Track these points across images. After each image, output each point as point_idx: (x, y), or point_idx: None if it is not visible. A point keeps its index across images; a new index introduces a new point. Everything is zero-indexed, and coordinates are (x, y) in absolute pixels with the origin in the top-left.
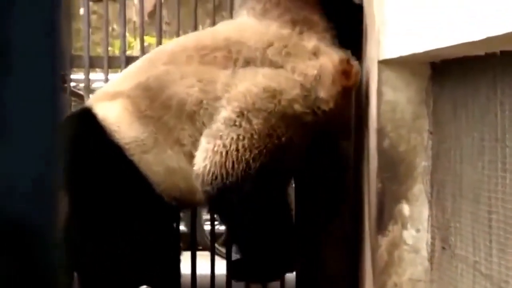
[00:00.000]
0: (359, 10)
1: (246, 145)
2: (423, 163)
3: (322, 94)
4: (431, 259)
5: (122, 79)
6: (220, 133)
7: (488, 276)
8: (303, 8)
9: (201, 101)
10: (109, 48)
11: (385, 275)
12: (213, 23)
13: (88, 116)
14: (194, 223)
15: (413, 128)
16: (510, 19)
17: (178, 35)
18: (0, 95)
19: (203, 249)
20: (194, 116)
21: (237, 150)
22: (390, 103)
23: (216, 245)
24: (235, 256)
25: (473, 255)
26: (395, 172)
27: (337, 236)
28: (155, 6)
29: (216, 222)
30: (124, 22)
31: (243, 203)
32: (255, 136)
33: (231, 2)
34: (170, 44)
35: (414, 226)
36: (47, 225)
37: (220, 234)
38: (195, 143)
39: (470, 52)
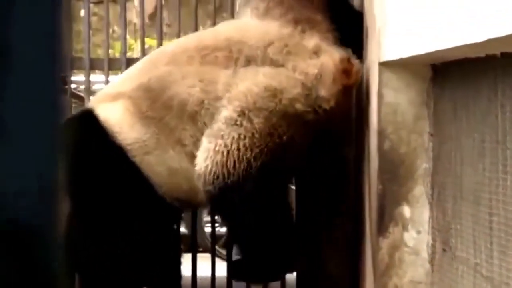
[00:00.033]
0: (360, 16)
1: (247, 144)
2: (423, 165)
3: (323, 92)
4: (431, 261)
5: (124, 80)
6: (221, 133)
7: (489, 278)
8: (307, 8)
9: (203, 101)
10: (110, 50)
11: (385, 277)
12: (214, 25)
13: (89, 118)
14: (195, 225)
15: (413, 130)
16: (510, 20)
17: (178, 36)
18: (1, 96)
19: (204, 251)
20: (196, 116)
21: (238, 149)
22: (391, 105)
23: (216, 247)
24: (235, 258)
25: (474, 257)
26: (396, 174)
27: (338, 238)
28: (155, 8)
29: (216, 224)
30: (125, 24)
31: (244, 202)
32: (256, 135)
33: (231, 3)
34: (171, 45)
35: (415, 228)
36: (48, 226)
37: (221, 236)
38: (196, 143)
39: (471, 54)
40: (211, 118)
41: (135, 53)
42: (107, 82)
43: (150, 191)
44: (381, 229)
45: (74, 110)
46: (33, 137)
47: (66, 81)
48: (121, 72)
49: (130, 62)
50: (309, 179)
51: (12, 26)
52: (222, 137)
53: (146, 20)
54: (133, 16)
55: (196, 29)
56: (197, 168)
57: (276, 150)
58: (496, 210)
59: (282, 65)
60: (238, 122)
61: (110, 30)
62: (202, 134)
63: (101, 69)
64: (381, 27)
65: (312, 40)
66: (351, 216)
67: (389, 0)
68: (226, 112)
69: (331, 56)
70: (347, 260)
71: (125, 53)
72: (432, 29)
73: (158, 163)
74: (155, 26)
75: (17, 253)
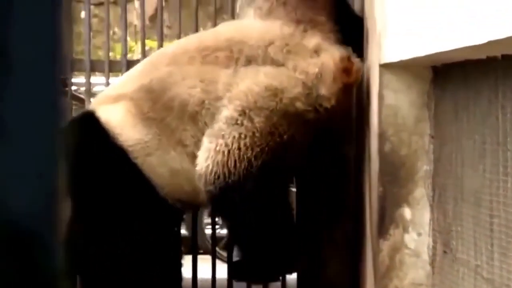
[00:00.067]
0: (360, 20)
1: (248, 144)
2: (424, 167)
3: (324, 91)
4: (432, 263)
5: (125, 82)
6: (222, 132)
7: (489, 280)
8: (311, 8)
9: (203, 101)
10: (110, 52)
11: (386, 279)
12: (214, 26)
13: (91, 120)
14: (195, 227)
15: (414, 132)
16: (511, 22)
17: (179, 38)
18: (1, 98)
19: (204, 253)
20: (196, 117)
21: (239, 148)
22: (391, 106)
23: (217, 249)
24: (235, 259)
25: (474, 259)
26: (397, 175)
27: (339, 240)
28: (156, 9)
29: (217, 226)
30: (125, 25)
31: (245, 201)
32: (257, 134)
33: (232, 5)
34: (172, 46)
35: (416, 230)
36: (49, 228)
37: (221, 238)
38: (197, 144)
39: (472, 55)
40: (212, 118)
41: (136, 55)
42: (107, 84)
43: (152, 192)
44: (382, 231)
45: (75, 112)
46: (34, 139)
47: (66, 83)
48: (122, 74)
49: (130, 64)
50: (310, 177)
51: (12, 28)
52: (222, 136)
53: (147, 22)
54: (134, 18)
55: (196, 30)
56: (198, 168)
57: (277, 149)
58: (496, 212)
59: (283, 65)
60: (238, 122)
61: (111, 32)
62: (203, 134)
63: (101, 71)
64: (382, 29)
65: (313, 40)
66: (352, 215)
67: (389, 3)
68: (227, 111)
69: (332, 55)
70: (348, 261)
71: (125, 55)
72: (433, 31)
73: (160, 164)
74: (155, 28)
75: (18, 255)
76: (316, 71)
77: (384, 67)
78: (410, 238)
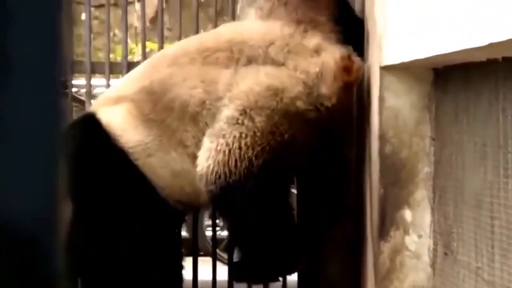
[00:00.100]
0: (360, 22)
1: (249, 143)
2: (425, 168)
3: (324, 90)
4: (433, 265)
5: (125, 84)
6: (223, 132)
7: (490, 282)
8: (312, 8)
9: (204, 102)
10: (111, 54)
11: (387, 281)
12: (215, 28)
13: (92, 122)
14: (196, 229)
15: (415, 134)
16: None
17: (179, 40)
18: (1, 100)
19: (205, 255)
20: (197, 117)
21: (240, 148)
22: (392, 108)
23: (217, 250)
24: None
25: (475, 261)
26: (397, 177)
27: (339, 241)
28: (156, 11)
29: (217, 228)
30: (126, 27)
31: (245, 201)
32: (258, 134)
33: (232, 7)
34: (172, 48)
35: (416, 232)
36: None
37: (222, 240)
38: (198, 144)
39: (472, 58)
40: (213, 118)
41: (136, 57)
42: (108, 85)
43: (152, 194)
44: (383, 233)
45: (75, 113)
46: (34, 141)
47: (67, 85)
48: (122, 76)
49: (131, 66)
50: (311, 177)
51: (13, 30)
52: (223, 136)
53: (147, 24)
54: (134, 20)
55: (197, 32)
56: (198, 169)
57: (278, 149)
58: (497, 214)
59: (283, 64)
60: (239, 121)
61: (111, 34)
62: (203, 134)
63: (102, 72)
64: (382, 31)
65: (313, 40)
66: (353, 214)
67: (390, 4)
68: (228, 111)
69: (332, 54)
70: (348, 264)
71: (126, 57)
72: (434, 33)
73: (161, 166)
74: (156, 29)
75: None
76: (316, 71)
77: (385, 69)
78: (411, 240)
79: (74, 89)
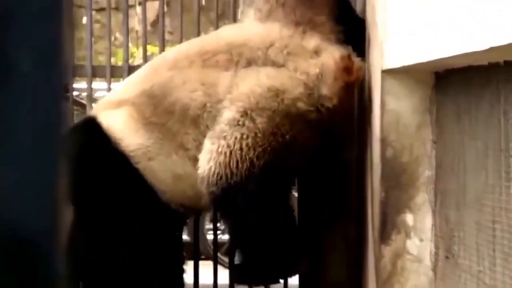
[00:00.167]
0: (361, 22)
1: (250, 144)
2: (426, 172)
3: (325, 91)
4: (434, 268)
5: (126, 87)
6: (224, 134)
7: (491, 286)
8: (310, 9)
9: (205, 104)
10: (112, 58)
11: (388, 285)
12: None
13: (92, 126)
14: (197, 233)
15: (416, 138)
16: None
17: (181, 43)
18: (2, 104)
19: (206, 259)
20: (198, 120)
21: (241, 149)
22: (393, 112)
23: (218, 254)
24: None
25: (477, 265)
26: (399, 181)
27: (341, 245)
28: (157, 15)
29: (218, 232)
30: (127, 31)
31: (247, 202)
32: (259, 135)
33: (234, 10)
34: (173, 51)
35: (418, 236)
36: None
37: (223, 243)
38: (199, 147)
39: (474, 62)
40: (213, 120)
41: (137, 60)
42: (109, 89)
43: (153, 197)
44: (384, 236)
45: (76, 117)
46: (36, 145)
47: (68, 89)
48: (123, 80)
49: (132, 69)
50: (312, 178)
51: (14, 34)
52: (224, 138)
53: (148, 28)
54: (135, 24)
55: (198, 36)
56: (200, 171)
57: (279, 150)
58: (499, 218)
59: (283, 66)
60: (240, 122)
61: (112, 38)
62: (204, 137)
63: (103, 76)
64: (384, 34)
65: (312, 40)
66: (354, 216)
67: (391, 8)
68: (229, 113)
69: (332, 55)
70: (350, 267)
71: (127, 60)
72: (435, 37)
73: (162, 169)
74: (157, 33)
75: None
76: (316, 72)
77: (386, 72)
78: (412, 244)
79: (75, 93)
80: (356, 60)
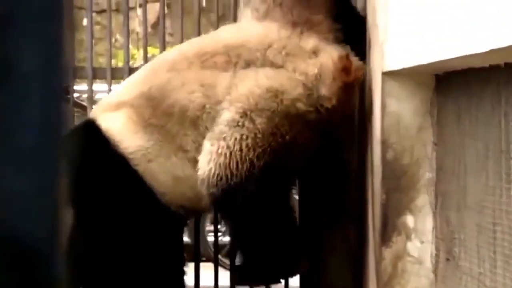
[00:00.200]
0: (362, 19)
1: (250, 145)
2: (427, 174)
3: (324, 91)
4: (435, 270)
5: (125, 89)
6: (224, 135)
7: None
8: (308, 8)
9: (204, 106)
10: (112, 59)
11: (388, 287)
12: None
13: (92, 128)
14: (198, 235)
15: (417, 140)
16: None
17: None
18: (3, 106)
19: (207, 260)
20: (197, 121)
21: (241, 150)
22: (394, 114)
23: (219, 256)
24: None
25: (477, 267)
26: (399, 183)
27: (341, 246)
28: (158, 17)
29: (219, 233)
30: (128, 33)
31: (247, 202)
32: (259, 135)
33: (234, 12)
34: (171, 52)
35: (418, 238)
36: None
37: (224, 245)
38: (198, 149)
39: (474, 64)
40: (213, 122)
41: (138, 62)
42: (109, 91)
43: (153, 199)
44: (384, 238)
45: (77, 119)
46: (36, 146)
47: (68, 90)
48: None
49: (132, 71)
50: (311, 179)
51: (15, 36)
52: (224, 139)
53: (149, 29)
54: (136, 25)
55: None
56: (200, 173)
57: (279, 150)
58: (499, 220)
59: (282, 67)
60: (240, 123)
61: (113, 39)
62: (203, 138)
63: (103, 78)
64: (384, 36)
65: (310, 41)
66: (354, 217)
67: (392, 10)
68: (228, 114)
69: (330, 55)
70: (350, 270)
71: (128, 62)
72: (436, 39)
73: (161, 171)
74: (158, 35)
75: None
76: (315, 72)
77: (387, 74)
78: (413, 246)
79: (75, 95)
80: (355, 60)
